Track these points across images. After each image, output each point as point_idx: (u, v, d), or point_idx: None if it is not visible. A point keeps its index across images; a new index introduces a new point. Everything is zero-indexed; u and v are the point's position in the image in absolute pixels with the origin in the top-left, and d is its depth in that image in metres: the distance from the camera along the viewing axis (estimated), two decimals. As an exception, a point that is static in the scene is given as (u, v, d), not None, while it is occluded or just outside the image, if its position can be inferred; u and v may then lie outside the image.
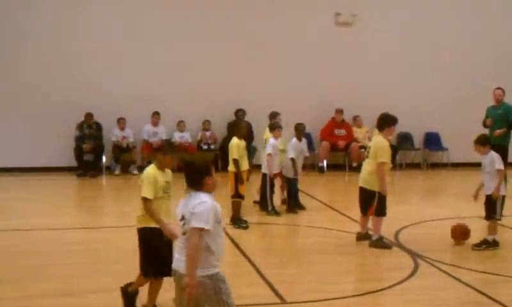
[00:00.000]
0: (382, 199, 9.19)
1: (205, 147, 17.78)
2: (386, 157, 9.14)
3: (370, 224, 9.48)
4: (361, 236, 9.49)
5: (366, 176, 9.29)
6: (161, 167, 6.55)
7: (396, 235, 10.01)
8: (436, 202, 14.49)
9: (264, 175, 11.62)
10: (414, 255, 8.79)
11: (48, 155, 16.48)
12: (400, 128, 18.90)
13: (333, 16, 18.57)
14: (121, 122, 17.11)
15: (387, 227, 10.36)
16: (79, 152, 16.70)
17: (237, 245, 9.22)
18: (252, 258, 8.58)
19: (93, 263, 7.76)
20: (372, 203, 9.19)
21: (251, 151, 17.83)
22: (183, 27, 17.57)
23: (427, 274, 8.00)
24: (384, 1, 18.68)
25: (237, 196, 10.63)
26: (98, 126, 17.17)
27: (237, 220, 10.51)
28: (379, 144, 9.25)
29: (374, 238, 9.25)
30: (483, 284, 7.56)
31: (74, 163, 16.50)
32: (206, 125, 17.84)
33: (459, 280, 7.70)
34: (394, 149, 18.58)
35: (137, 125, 17.27)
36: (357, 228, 10.02)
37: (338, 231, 10.18)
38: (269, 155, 11.43)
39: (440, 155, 19.40)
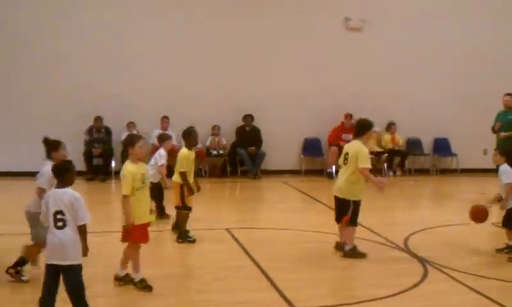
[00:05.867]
0: (356, 209, 8.93)
1: (215, 152, 17.80)
2: (366, 162, 8.82)
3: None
4: (339, 246, 9.26)
5: (341, 184, 8.99)
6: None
7: (405, 240, 9.97)
8: (445, 208, 14.43)
9: None
10: (423, 261, 8.76)
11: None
12: (409, 133, 19.01)
13: (343, 22, 18.57)
14: (130, 126, 17.14)
15: (396, 233, 10.38)
16: (88, 156, 16.76)
17: (245, 250, 9.22)
18: (260, 262, 8.57)
19: (102, 267, 7.77)
20: (347, 212, 8.92)
21: (260, 156, 17.89)
22: (193, 31, 17.62)
23: (437, 280, 7.97)
24: (394, 6, 18.64)
25: (184, 208, 9.85)
26: (108, 131, 17.23)
27: (185, 234, 9.88)
28: (357, 150, 8.86)
29: (348, 248, 8.97)
30: (493, 291, 7.52)
31: (83, 167, 16.54)
32: (215, 130, 17.86)
33: (469, 286, 7.66)
34: (403, 154, 18.70)
35: (146, 129, 17.31)
36: (367, 234, 10.01)
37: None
38: None
39: (449, 161, 19.34)
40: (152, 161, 11.15)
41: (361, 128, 9.15)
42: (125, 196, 7.08)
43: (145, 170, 7.40)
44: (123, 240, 7.29)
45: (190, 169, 9.76)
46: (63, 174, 5.97)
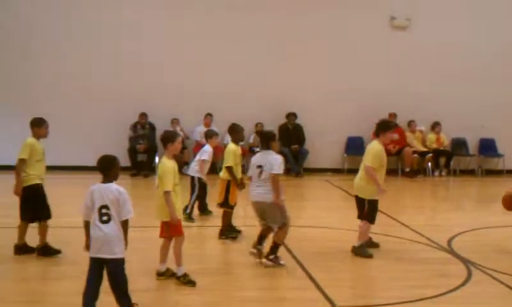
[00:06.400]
0: (372, 206, 8.86)
1: (257, 150, 17.79)
2: (372, 161, 8.74)
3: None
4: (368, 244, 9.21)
5: (357, 182, 9.00)
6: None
7: (449, 241, 9.85)
8: (490, 209, 14.19)
9: None
10: (467, 262, 8.64)
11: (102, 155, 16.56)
12: (455, 133, 18.77)
13: (388, 20, 18.42)
14: (174, 123, 17.29)
15: (440, 233, 10.27)
16: (132, 152, 16.95)
17: (286, 248, 9.22)
18: (302, 260, 8.56)
19: (143, 262, 7.85)
20: (364, 209, 8.88)
21: (303, 154, 17.86)
22: (237, 30, 17.70)
23: (480, 282, 7.85)
24: (440, 5, 18.43)
25: (227, 205, 9.85)
26: (152, 127, 17.40)
27: (227, 231, 9.90)
28: (369, 148, 8.95)
29: (357, 244, 8.92)
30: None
31: (128, 163, 16.73)
32: (258, 128, 17.89)
33: (513, 289, 7.55)
34: (448, 155, 18.47)
35: (189, 126, 17.44)
36: (410, 234, 9.93)
37: (389, 236, 10.08)
38: None
39: (496, 162, 19.05)
40: (197, 156, 11.23)
41: (380, 128, 9.11)
42: (167, 192, 7.11)
43: (177, 167, 7.48)
44: (162, 235, 7.37)
45: (237, 164, 9.76)
46: (108, 169, 6.03)
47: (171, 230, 7.26)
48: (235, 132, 10.04)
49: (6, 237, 8.91)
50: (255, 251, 8.41)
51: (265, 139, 8.45)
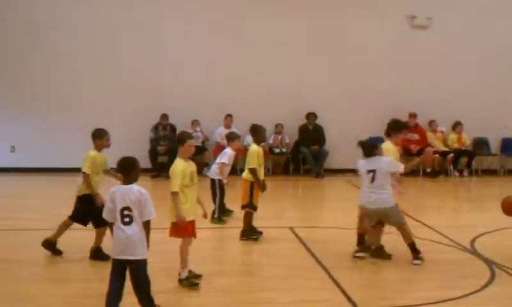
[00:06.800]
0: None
1: (277, 151, 17.82)
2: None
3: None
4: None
5: None
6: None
7: (472, 242, 9.77)
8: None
9: None
10: (490, 263, 8.56)
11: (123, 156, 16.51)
12: (476, 133, 18.62)
13: (408, 19, 18.34)
14: (194, 124, 17.33)
15: (462, 234, 10.19)
16: (153, 154, 17.00)
17: (308, 249, 9.19)
18: (324, 261, 8.53)
19: (164, 263, 7.86)
20: None
21: (323, 155, 17.81)
22: (256, 30, 17.71)
23: (504, 283, 7.78)
24: (461, 4, 18.32)
25: (251, 206, 9.76)
26: (173, 128, 17.44)
27: (249, 232, 9.83)
28: (385, 149, 8.89)
29: (373, 247, 8.84)
30: None
31: (149, 164, 16.79)
32: (279, 129, 17.89)
33: (539, 290, 7.47)
34: (470, 154, 18.32)
35: (210, 127, 17.46)
36: (431, 234, 9.86)
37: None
38: None
39: (518, 162, 18.91)
40: (218, 159, 11.23)
41: (391, 129, 9.10)
42: (174, 192, 7.11)
43: (195, 168, 7.40)
44: (171, 234, 7.36)
45: (260, 166, 9.65)
46: (129, 170, 6.05)
47: (177, 231, 7.25)
48: (258, 132, 9.91)
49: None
50: (361, 253, 8.57)
51: (369, 148, 8.66)
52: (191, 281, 7.32)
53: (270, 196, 13.26)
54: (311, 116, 17.93)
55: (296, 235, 10.14)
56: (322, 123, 18.00)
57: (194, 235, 7.37)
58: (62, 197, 13.76)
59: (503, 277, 7.99)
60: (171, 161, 7.43)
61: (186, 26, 17.61)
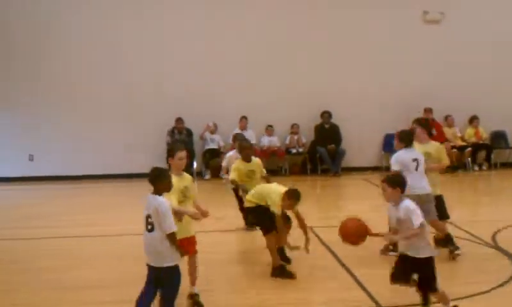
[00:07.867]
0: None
1: (294, 151, 17.81)
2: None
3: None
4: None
5: None
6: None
7: (493, 236, 9.70)
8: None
9: None
10: (512, 258, 8.51)
11: (140, 161, 16.13)
12: (494, 126, 18.49)
13: (421, 14, 18.26)
14: (208, 127, 17.39)
15: (482, 228, 10.11)
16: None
17: (328, 248, 9.17)
18: (344, 260, 8.53)
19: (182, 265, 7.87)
20: None
21: (340, 153, 17.77)
22: (269, 30, 17.68)
23: (527, 278, 7.72)
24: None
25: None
26: (189, 132, 17.48)
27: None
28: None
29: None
30: None
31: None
32: (294, 129, 17.87)
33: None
34: (488, 148, 18.19)
35: (227, 130, 17.48)
36: (451, 229, 9.78)
37: (432, 233, 9.93)
38: None
39: (537, 154, 18.76)
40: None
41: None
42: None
43: (189, 182, 6.85)
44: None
45: (250, 180, 9.28)
46: (154, 181, 6.01)
47: (186, 247, 6.59)
48: (243, 151, 9.54)
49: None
50: (389, 252, 8.65)
51: (407, 136, 8.65)
52: (194, 300, 6.95)
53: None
54: (325, 115, 17.89)
55: (316, 234, 10.10)
56: (338, 121, 17.95)
57: (186, 253, 6.59)
58: (80, 205, 13.86)
59: (525, 272, 7.93)
60: (188, 165, 7.20)
61: (202, 28, 17.61)
